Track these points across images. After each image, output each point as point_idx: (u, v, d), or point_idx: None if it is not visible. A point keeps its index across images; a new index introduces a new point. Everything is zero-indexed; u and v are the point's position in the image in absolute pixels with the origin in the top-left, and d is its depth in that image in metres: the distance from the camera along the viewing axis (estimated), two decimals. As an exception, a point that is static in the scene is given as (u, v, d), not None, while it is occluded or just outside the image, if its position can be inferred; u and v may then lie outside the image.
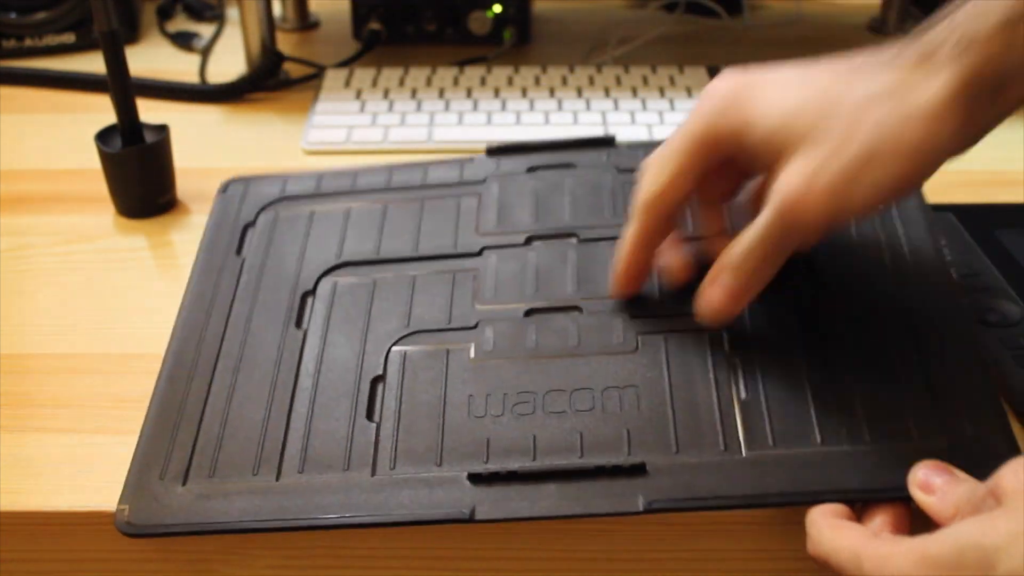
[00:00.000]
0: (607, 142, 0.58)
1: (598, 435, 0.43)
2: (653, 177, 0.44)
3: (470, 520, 0.41)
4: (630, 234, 0.46)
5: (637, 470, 0.41)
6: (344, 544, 0.44)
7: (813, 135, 0.38)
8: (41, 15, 0.88)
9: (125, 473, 0.44)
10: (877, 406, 0.43)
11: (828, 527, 0.38)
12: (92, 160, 0.64)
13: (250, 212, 0.54)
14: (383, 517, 0.41)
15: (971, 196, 0.62)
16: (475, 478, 0.42)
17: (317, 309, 0.49)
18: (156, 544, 0.44)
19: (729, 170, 0.44)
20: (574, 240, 0.52)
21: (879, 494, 0.40)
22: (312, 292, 0.50)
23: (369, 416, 0.45)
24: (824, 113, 0.38)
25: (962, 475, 0.38)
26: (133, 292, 0.57)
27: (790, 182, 0.38)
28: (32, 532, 0.44)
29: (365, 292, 0.50)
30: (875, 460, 0.41)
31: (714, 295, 0.43)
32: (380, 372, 0.46)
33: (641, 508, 0.40)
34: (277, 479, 0.43)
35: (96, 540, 0.44)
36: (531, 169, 0.56)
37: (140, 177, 0.63)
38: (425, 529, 0.43)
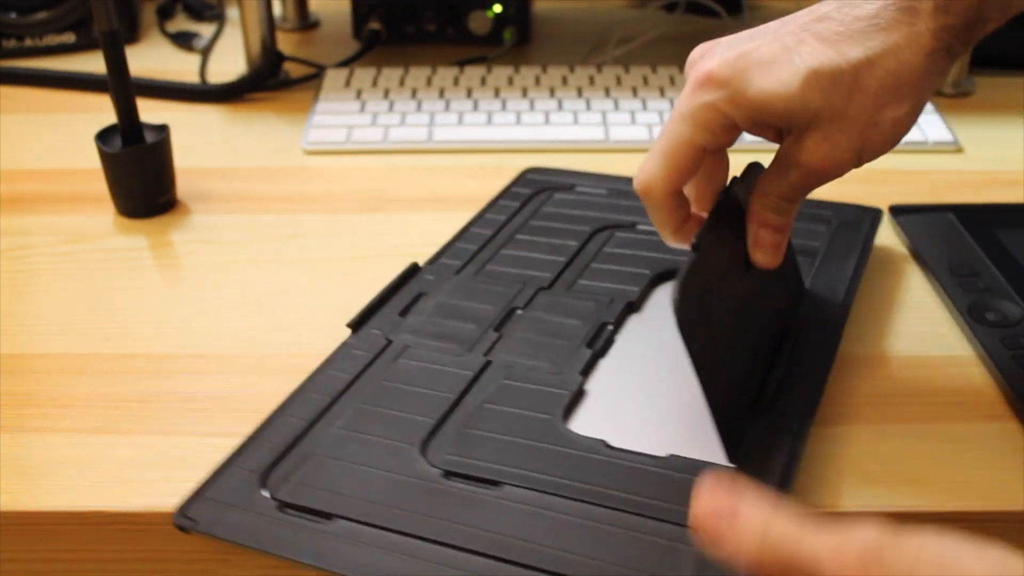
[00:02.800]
0: None
1: None
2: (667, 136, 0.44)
3: None
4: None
5: None
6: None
7: (828, 109, 0.41)
8: (41, 15, 0.88)
9: (124, 473, 0.44)
10: None
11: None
12: (92, 160, 0.64)
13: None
14: None
15: (971, 196, 0.62)
16: None
17: None
18: (156, 544, 0.44)
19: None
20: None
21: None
22: None
23: None
24: (831, 85, 0.41)
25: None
26: (133, 292, 0.57)
27: (819, 153, 0.42)
28: (32, 532, 0.44)
29: None
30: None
31: (765, 255, 0.46)
32: None
33: None
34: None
35: (96, 540, 0.44)
36: None
37: (140, 177, 0.63)
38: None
